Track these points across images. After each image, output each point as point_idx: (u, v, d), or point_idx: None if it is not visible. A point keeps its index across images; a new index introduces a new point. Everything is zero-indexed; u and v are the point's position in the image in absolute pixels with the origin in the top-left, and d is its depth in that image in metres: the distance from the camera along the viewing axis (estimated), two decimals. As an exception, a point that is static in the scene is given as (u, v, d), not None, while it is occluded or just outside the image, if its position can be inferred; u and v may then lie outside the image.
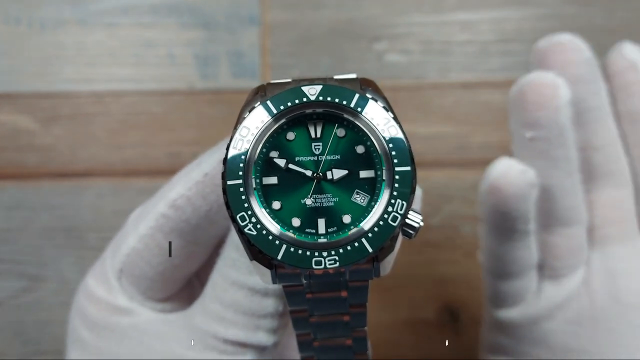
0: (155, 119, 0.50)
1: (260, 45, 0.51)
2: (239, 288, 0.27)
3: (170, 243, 0.29)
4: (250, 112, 0.23)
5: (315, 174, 0.23)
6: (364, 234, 0.22)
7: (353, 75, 0.24)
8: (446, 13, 0.51)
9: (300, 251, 0.22)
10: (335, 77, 0.24)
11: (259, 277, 0.24)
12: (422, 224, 0.23)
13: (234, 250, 0.28)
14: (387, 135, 0.23)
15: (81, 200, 0.50)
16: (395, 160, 0.22)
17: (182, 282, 0.32)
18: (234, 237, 0.27)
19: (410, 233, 0.23)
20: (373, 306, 0.48)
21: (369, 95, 0.23)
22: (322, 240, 0.22)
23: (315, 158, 0.23)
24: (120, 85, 0.50)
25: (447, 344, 0.49)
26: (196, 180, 0.28)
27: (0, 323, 0.49)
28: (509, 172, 0.34)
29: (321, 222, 0.23)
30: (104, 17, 0.51)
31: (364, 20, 0.51)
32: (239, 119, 0.23)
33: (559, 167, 0.35)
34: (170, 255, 0.30)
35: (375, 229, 0.22)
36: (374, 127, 0.23)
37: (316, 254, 0.22)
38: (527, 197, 0.35)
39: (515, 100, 0.35)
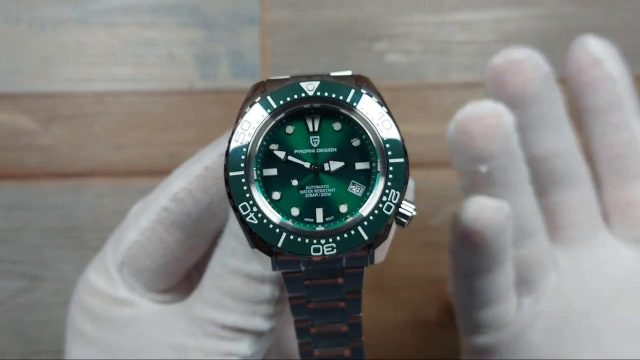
0: (155, 119, 0.50)
1: (260, 45, 0.51)
2: (237, 275, 0.28)
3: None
4: (251, 107, 0.24)
5: (313, 166, 0.24)
6: (360, 222, 0.23)
7: (349, 72, 0.25)
8: (446, 13, 0.51)
9: (299, 239, 0.23)
10: (332, 74, 0.25)
11: (260, 264, 0.25)
12: (414, 213, 0.24)
13: (232, 239, 0.28)
14: (381, 129, 0.24)
15: (81, 200, 0.50)
16: (389, 153, 0.23)
17: (182, 274, 0.32)
18: (232, 227, 0.28)
19: (403, 222, 0.24)
20: (374, 306, 0.49)
21: (363, 91, 0.24)
22: (320, 228, 0.23)
23: (313, 151, 0.24)
24: (120, 85, 0.50)
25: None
26: (197, 174, 0.29)
27: (0, 323, 0.49)
28: (486, 213, 0.33)
29: (319, 212, 0.24)
30: (104, 16, 0.51)
31: (364, 20, 0.51)
32: (240, 114, 0.24)
33: (518, 189, 0.35)
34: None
35: (371, 217, 0.23)
36: (368, 121, 0.24)
37: (314, 241, 0.23)
38: (507, 231, 0.34)
39: (460, 137, 0.34)
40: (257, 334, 0.29)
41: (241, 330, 0.29)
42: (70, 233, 0.50)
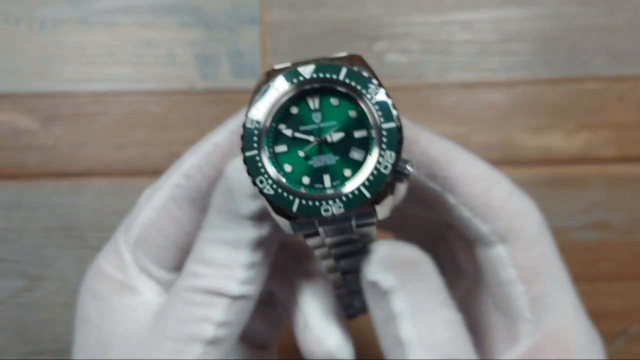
0: (155, 119, 0.50)
1: (261, 45, 0.51)
2: (213, 243, 0.30)
3: None
4: (259, 93, 0.27)
5: (317, 139, 0.27)
6: (362, 183, 0.27)
7: (343, 54, 0.28)
8: (446, 13, 0.51)
9: (311, 203, 0.27)
10: (328, 56, 0.28)
11: (282, 227, 0.28)
12: (411, 170, 0.27)
13: (212, 213, 0.30)
14: (374, 100, 0.27)
15: (81, 200, 0.50)
16: (382, 119, 0.26)
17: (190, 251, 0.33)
18: (212, 202, 0.30)
19: (402, 179, 0.27)
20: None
21: (355, 68, 0.27)
22: (329, 192, 0.27)
23: (317, 126, 0.28)
24: (120, 85, 0.50)
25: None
26: (207, 151, 0.31)
27: (0, 322, 0.49)
28: None
29: (326, 178, 0.27)
30: (104, 16, 0.51)
31: (364, 20, 0.51)
32: (252, 100, 0.28)
33: None
34: None
35: (371, 177, 0.27)
36: (362, 94, 0.27)
37: (324, 203, 0.26)
38: None
39: None
40: (231, 299, 0.30)
41: (214, 293, 0.29)
42: (70, 233, 0.50)
